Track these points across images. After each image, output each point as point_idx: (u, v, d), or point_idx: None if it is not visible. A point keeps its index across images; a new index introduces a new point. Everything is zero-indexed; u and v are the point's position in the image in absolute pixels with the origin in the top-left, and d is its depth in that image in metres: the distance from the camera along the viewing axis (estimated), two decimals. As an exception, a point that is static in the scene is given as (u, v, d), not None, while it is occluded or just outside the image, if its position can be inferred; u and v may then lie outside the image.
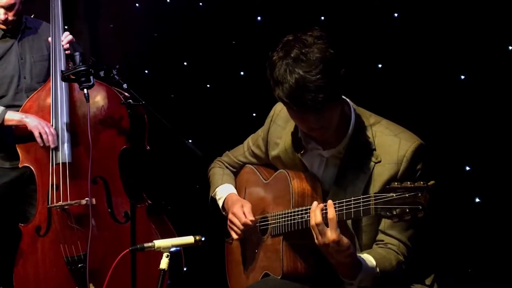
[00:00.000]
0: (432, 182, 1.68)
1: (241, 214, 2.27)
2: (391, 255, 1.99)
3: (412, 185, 1.69)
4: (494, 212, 3.17)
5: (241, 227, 2.27)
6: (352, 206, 1.83)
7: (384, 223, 2.01)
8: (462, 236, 3.19)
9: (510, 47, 3.16)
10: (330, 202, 1.86)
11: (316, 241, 1.89)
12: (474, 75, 3.22)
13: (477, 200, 3.24)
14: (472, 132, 3.20)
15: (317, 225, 1.86)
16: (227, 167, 2.56)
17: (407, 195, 1.69)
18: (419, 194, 1.67)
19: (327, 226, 1.85)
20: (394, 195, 1.72)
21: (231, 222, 2.32)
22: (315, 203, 1.92)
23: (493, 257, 3.17)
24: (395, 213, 1.71)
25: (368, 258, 1.94)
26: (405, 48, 3.31)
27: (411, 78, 3.30)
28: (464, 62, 3.23)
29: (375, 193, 1.78)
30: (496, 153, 3.17)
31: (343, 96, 2.08)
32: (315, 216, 1.87)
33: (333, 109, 1.91)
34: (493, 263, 3.18)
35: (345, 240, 1.85)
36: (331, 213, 1.84)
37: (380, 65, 3.44)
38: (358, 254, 1.93)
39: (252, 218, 2.25)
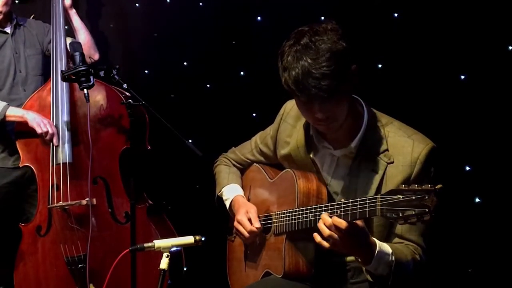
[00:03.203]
0: (439, 185, 1.67)
1: (246, 221, 2.27)
2: (407, 251, 1.98)
3: (420, 188, 1.68)
4: (494, 212, 3.17)
5: (247, 235, 2.28)
6: (358, 207, 1.82)
7: (402, 228, 2.00)
8: (462, 236, 3.19)
9: (510, 47, 3.15)
10: (335, 219, 1.83)
11: (332, 247, 1.87)
12: (474, 75, 3.22)
13: (477, 200, 3.24)
14: (472, 132, 3.19)
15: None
16: (234, 164, 2.55)
17: (414, 197, 1.67)
18: (426, 197, 1.66)
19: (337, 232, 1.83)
20: (401, 197, 1.71)
21: (237, 230, 2.32)
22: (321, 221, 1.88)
23: (493, 257, 3.17)
24: (401, 215, 1.70)
25: (384, 245, 1.93)
26: (405, 48, 3.31)
27: (411, 78, 3.30)
28: (464, 62, 3.22)
29: (381, 195, 1.77)
30: (496, 153, 3.16)
31: (356, 96, 2.08)
32: (323, 231, 1.85)
33: (339, 101, 1.90)
34: (493, 263, 3.18)
35: (361, 238, 1.85)
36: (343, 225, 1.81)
37: (380, 65, 3.44)
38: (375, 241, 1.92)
39: (258, 225, 2.25)
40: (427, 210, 1.66)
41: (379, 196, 1.77)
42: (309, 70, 1.84)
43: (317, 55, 1.84)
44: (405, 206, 1.69)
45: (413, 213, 1.67)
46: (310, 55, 1.85)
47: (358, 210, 1.82)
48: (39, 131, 3.04)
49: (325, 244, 1.86)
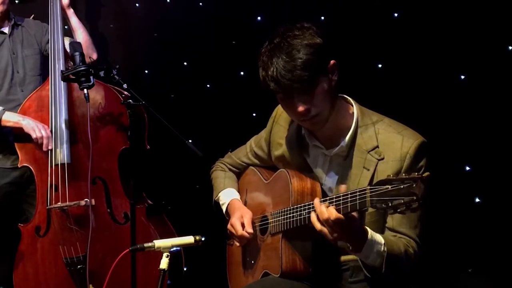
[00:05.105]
0: (427, 173, 1.68)
1: (239, 225, 2.28)
2: (400, 243, 1.98)
3: (407, 176, 1.70)
4: (494, 212, 3.17)
5: (238, 240, 2.30)
6: (349, 199, 1.83)
7: (392, 222, 2.01)
8: (462, 236, 3.19)
9: (510, 47, 3.15)
10: (331, 209, 1.85)
11: (330, 237, 1.88)
12: (474, 75, 3.22)
13: (477, 200, 3.23)
14: (472, 132, 3.19)
15: (326, 221, 1.85)
16: (229, 169, 2.56)
17: (402, 186, 1.69)
18: (414, 185, 1.67)
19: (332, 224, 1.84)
20: (390, 187, 1.72)
21: (230, 232, 2.34)
22: (316, 199, 1.91)
23: (493, 257, 3.17)
24: (390, 204, 1.71)
25: (377, 235, 1.94)
26: (405, 48, 3.31)
27: (411, 78, 3.30)
28: (464, 62, 3.22)
29: (370, 186, 1.78)
30: (496, 153, 3.16)
31: (345, 95, 2.10)
32: (322, 213, 1.86)
33: (316, 93, 1.92)
34: (493, 263, 3.18)
35: (354, 229, 1.87)
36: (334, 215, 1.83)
37: (380, 65, 3.44)
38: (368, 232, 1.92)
39: (250, 230, 2.26)
40: (415, 198, 1.67)
41: (368, 187, 1.79)
42: (282, 65, 1.89)
43: (289, 49, 1.90)
44: (394, 195, 1.70)
45: (402, 201, 1.69)
46: (282, 51, 1.90)
47: (349, 204, 1.83)
48: (34, 136, 3.04)
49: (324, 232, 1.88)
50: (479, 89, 3.19)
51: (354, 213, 1.86)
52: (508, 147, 3.14)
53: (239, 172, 2.55)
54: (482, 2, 3.13)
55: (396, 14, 3.39)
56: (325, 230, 1.87)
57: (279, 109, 2.29)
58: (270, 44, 1.95)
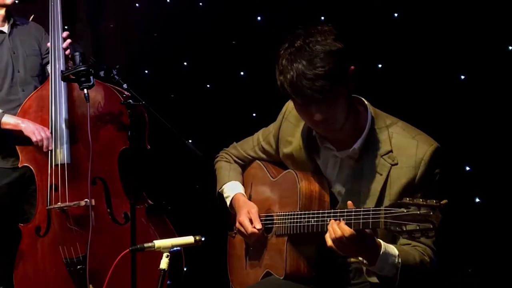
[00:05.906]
0: (445, 201, 1.66)
1: (248, 223, 2.25)
2: (415, 253, 1.96)
3: (424, 203, 1.67)
4: (494, 212, 3.17)
5: (249, 237, 2.27)
6: (361, 217, 1.81)
7: None
8: (462, 236, 3.19)
9: (510, 47, 3.15)
10: (343, 226, 1.83)
11: (341, 254, 1.88)
12: (474, 75, 3.22)
13: (477, 200, 3.24)
14: (472, 132, 3.19)
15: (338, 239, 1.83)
16: (235, 160, 2.52)
17: (418, 212, 1.66)
18: (431, 213, 1.65)
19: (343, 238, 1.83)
20: (405, 210, 1.69)
21: (240, 231, 2.31)
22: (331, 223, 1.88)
23: (493, 257, 3.17)
24: (404, 229, 1.68)
25: (390, 246, 1.91)
26: (405, 48, 3.31)
27: (411, 78, 3.30)
28: (464, 62, 3.22)
29: (385, 207, 1.76)
30: (496, 153, 3.16)
31: (359, 96, 2.08)
32: (335, 231, 1.84)
33: (336, 102, 1.89)
34: (493, 263, 3.18)
35: (367, 244, 1.85)
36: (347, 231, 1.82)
37: (380, 65, 3.44)
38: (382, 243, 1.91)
39: (259, 226, 2.23)
40: (431, 227, 1.65)
41: (383, 208, 1.77)
42: (303, 72, 1.83)
43: (311, 56, 1.84)
44: (409, 220, 1.68)
45: (417, 228, 1.66)
46: (304, 57, 1.85)
47: (361, 221, 1.81)
48: (34, 139, 3.04)
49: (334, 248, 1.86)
50: (479, 89, 3.19)
51: (367, 230, 1.84)
52: (508, 147, 3.14)
53: (244, 164, 2.51)
54: (482, 2, 3.13)
55: (396, 14, 3.39)
56: (334, 247, 1.85)
57: (289, 105, 2.24)
58: (291, 47, 1.89)
